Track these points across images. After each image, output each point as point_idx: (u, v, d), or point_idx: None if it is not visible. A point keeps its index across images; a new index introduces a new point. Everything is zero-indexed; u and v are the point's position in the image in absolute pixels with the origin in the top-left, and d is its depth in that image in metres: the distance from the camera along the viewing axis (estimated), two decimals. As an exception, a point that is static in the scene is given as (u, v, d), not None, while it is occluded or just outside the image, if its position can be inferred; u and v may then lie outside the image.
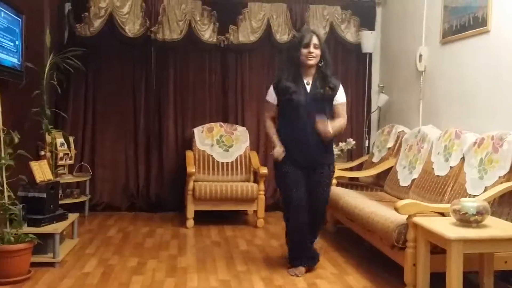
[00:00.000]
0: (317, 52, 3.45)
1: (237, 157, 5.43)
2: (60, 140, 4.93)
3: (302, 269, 3.59)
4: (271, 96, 3.64)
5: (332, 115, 3.57)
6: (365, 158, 5.56)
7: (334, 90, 3.55)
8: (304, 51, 3.44)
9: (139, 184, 5.67)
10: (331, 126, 3.46)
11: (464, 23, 4.19)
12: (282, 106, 3.59)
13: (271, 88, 3.65)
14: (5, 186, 3.45)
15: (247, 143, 5.51)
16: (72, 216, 4.16)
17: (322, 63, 3.51)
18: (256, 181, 5.21)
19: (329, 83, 3.52)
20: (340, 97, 3.62)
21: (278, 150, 3.55)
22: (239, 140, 5.49)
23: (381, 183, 4.87)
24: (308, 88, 3.52)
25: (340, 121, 3.60)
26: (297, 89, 3.48)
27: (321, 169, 3.58)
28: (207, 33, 5.64)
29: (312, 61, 3.46)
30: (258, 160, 5.44)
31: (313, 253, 3.73)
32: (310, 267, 3.66)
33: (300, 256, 3.63)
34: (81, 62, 5.01)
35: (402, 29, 5.47)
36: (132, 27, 5.52)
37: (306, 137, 3.49)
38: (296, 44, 3.53)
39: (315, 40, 3.45)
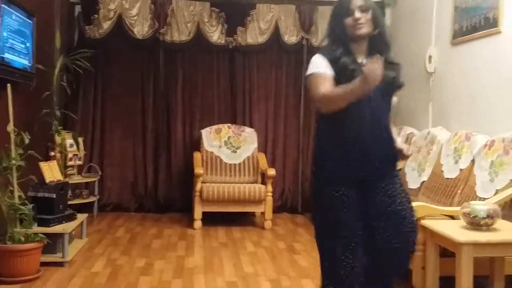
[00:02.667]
0: (367, 16, 2.30)
1: (244, 159, 5.43)
2: (69, 141, 4.95)
3: None
4: (322, 65, 2.29)
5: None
6: (374, 159, 5.52)
7: (397, 71, 2.39)
8: (349, 20, 2.31)
9: (147, 185, 5.69)
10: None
11: (475, 24, 4.15)
12: None
13: (318, 57, 2.33)
14: (16, 186, 3.48)
15: (255, 145, 5.51)
16: (81, 217, 4.18)
17: (377, 31, 2.35)
18: (264, 182, 5.20)
19: (392, 63, 2.37)
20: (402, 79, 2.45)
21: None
22: (247, 141, 5.49)
23: (390, 185, 4.84)
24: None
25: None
26: (355, 68, 2.27)
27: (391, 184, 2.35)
28: (216, 35, 5.65)
29: (363, 30, 2.31)
30: (266, 162, 5.43)
31: None
32: None
33: None
34: (90, 63, 5.06)
35: (411, 30, 5.44)
36: (140, 29, 5.53)
37: (372, 146, 2.28)
38: (336, 15, 2.39)
39: (359, 1, 2.32)
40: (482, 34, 4.05)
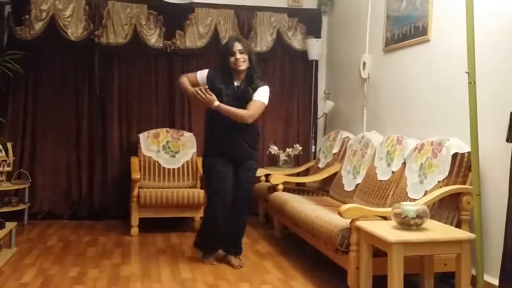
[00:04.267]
0: (244, 56, 3.66)
1: (183, 163, 5.37)
2: (-3, 146, 4.73)
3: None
4: (202, 75, 3.80)
5: None
6: (311, 163, 5.63)
7: (254, 91, 3.74)
8: (232, 59, 3.65)
9: (81, 191, 5.50)
10: (225, 106, 3.65)
11: (406, 32, 4.32)
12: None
13: (206, 72, 3.82)
14: None
15: (194, 149, 5.46)
16: (10, 225, 4.01)
17: (250, 65, 3.72)
18: (202, 187, 5.15)
19: (252, 84, 3.72)
20: (258, 96, 3.75)
21: (210, 98, 3.61)
22: (186, 145, 5.43)
23: (327, 188, 4.94)
24: (236, 89, 3.76)
25: (240, 111, 3.69)
26: (227, 92, 3.71)
27: (245, 165, 3.87)
28: (153, 38, 5.57)
29: (242, 67, 3.68)
30: (205, 166, 5.39)
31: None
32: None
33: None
34: (21, 66, 4.87)
35: (346, 37, 5.59)
36: (74, 30, 5.37)
37: (228, 134, 3.75)
38: (224, 54, 3.73)
39: (238, 46, 3.65)
40: (412, 42, 4.21)
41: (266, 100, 3.81)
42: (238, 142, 3.81)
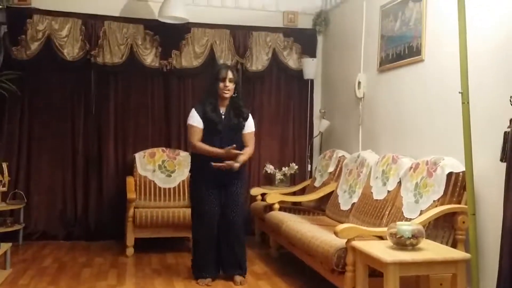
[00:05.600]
0: (232, 86, 3.84)
1: (179, 183, 5.36)
2: (-8, 166, 4.72)
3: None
4: (196, 120, 3.90)
5: (242, 142, 3.98)
6: (307, 182, 5.63)
7: (246, 120, 3.97)
8: (221, 85, 3.81)
9: (77, 211, 5.48)
10: (239, 160, 3.84)
11: (400, 52, 4.36)
12: (204, 132, 3.90)
13: (194, 112, 3.92)
14: None
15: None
16: (5, 246, 3.99)
17: (236, 94, 3.90)
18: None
19: (243, 114, 3.92)
20: (250, 127, 4.02)
21: (230, 163, 3.79)
22: (182, 165, 5.43)
23: (323, 207, 4.94)
24: (223, 116, 3.91)
25: (247, 151, 3.97)
26: (219, 120, 3.87)
27: (233, 184, 3.96)
28: (149, 58, 5.60)
29: (227, 94, 3.86)
30: (201, 186, 5.38)
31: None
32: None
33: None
34: (17, 85, 4.89)
35: (341, 57, 5.63)
36: (71, 50, 5.39)
37: (220, 161, 3.81)
38: (214, 78, 3.88)
39: (230, 75, 3.83)
40: (406, 62, 4.25)
41: (254, 128, 4.10)
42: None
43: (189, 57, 5.70)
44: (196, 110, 3.93)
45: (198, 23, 5.70)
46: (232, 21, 5.81)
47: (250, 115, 4.06)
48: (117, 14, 5.56)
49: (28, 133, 5.40)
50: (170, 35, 5.59)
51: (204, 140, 3.89)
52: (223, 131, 3.87)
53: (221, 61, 5.72)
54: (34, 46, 5.30)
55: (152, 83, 5.72)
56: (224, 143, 3.84)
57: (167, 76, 5.70)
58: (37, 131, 5.42)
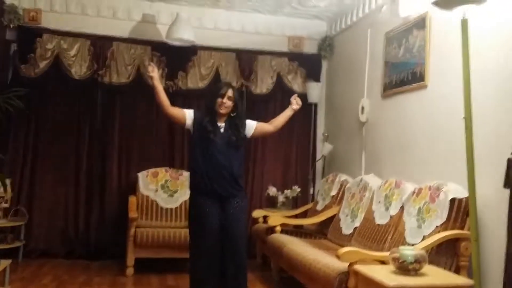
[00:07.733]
0: (230, 103, 3.78)
1: (181, 203, 5.36)
2: (-4, 182, 4.72)
3: None
4: (188, 112, 3.86)
5: (241, 159, 3.93)
6: (309, 205, 5.61)
7: (244, 128, 3.90)
8: (219, 100, 3.77)
9: (78, 229, 5.47)
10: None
11: (403, 78, 4.40)
12: (197, 140, 3.80)
13: (192, 111, 3.88)
14: None
15: (193, 189, 5.44)
16: (4, 263, 3.95)
17: (235, 114, 3.85)
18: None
19: (241, 133, 3.86)
20: (253, 125, 3.94)
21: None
22: (184, 185, 5.43)
23: (325, 231, 4.92)
24: (222, 130, 3.83)
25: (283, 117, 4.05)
26: (213, 130, 3.80)
27: (234, 201, 3.76)
28: (156, 78, 5.64)
29: (223, 111, 3.80)
30: (203, 207, 5.37)
31: None
32: None
33: None
34: (24, 102, 4.93)
35: (345, 82, 5.68)
36: (78, 70, 5.46)
37: (219, 171, 3.71)
38: (214, 93, 3.87)
39: (230, 93, 3.79)
40: (410, 88, 4.29)
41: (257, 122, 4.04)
42: (224, 176, 3.70)
43: (195, 79, 5.76)
44: (194, 111, 3.89)
45: (205, 46, 5.77)
46: (238, 44, 5.89)
47: (246, 121, 3.93)
48: (125, 35, 5.65)
49: (33, 150, 5.43)
50: (177, 57, 5.66)
51: (196, 146, 3.76)
52: (218, 143, 3.71)
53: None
54: (42, 64, 5.37)
55: (157, 103, 5.73)
56: (221, 156, 3.70)
57: (172, 96, 5.69)
58: (42, 148, 5.45)
